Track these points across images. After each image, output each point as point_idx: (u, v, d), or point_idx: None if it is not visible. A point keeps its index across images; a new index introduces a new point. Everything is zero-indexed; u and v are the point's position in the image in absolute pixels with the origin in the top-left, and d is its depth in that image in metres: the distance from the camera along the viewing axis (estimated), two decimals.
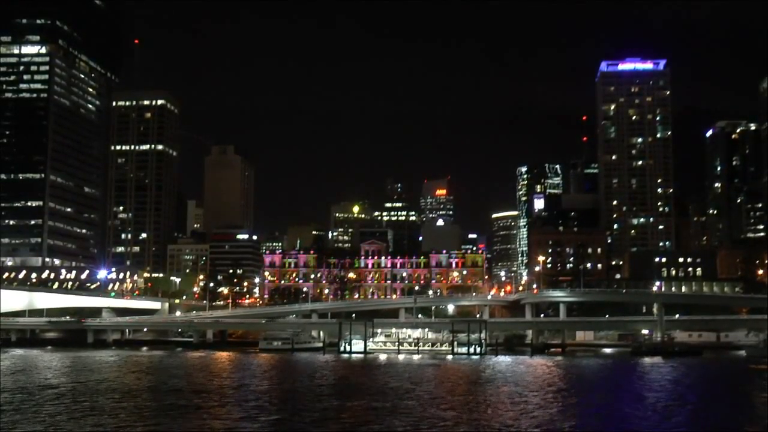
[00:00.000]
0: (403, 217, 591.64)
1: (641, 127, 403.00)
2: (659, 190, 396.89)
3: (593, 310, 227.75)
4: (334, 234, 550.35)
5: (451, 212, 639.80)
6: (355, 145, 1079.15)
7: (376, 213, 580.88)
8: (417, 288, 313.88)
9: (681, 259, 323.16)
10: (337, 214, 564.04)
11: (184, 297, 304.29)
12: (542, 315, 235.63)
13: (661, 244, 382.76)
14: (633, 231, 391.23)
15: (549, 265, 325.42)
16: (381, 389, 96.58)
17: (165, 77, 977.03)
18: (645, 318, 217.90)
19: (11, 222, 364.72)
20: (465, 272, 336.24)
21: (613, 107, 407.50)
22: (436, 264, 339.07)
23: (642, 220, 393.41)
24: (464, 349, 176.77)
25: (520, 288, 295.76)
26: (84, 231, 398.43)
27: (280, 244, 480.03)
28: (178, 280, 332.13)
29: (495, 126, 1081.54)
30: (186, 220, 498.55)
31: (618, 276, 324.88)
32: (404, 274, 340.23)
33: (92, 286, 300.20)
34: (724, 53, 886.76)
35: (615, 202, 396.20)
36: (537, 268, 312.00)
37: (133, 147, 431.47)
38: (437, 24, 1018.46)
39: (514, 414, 74.14)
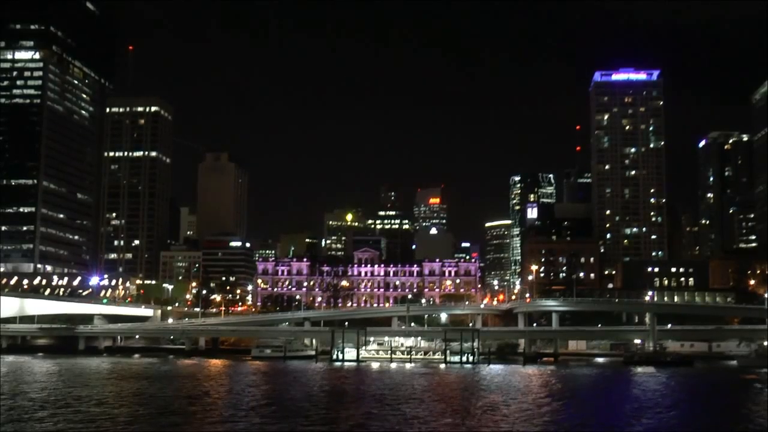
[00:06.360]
0: (397, 226, 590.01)
1: (634, 137, 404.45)
2: (652, 200, 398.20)
3: (586, 320, 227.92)
4: (327, 242, 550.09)
5: (444, 221, 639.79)
6: (349, 153, 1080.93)
7: (370, 221, 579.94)
8: (410, 296, 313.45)
9: (673, 269, 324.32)
10: (330, 222, 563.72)
11: (177, 304, 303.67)
12: (535, 324, 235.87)
13: (653, 253, 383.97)
14: (626, 241, 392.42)
15: (542, 274, 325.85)
16: (366, 396, 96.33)
17: (159, 84, 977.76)
18: (637, 328, 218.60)
19: (3, 228, 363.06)
20: (458, 281, 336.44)
21: (606, 117, 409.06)
22: (429, 272, 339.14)
23: (635, 229, 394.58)
24: (457, 358, 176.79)
25: (513, 297, 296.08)
26: (76, 237, 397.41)
27: (273, 251, 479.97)
28: (170, 287, 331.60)
29: (489, 135, 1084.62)
30: (179, 227, 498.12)
31: (611, 285, 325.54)
32: (397, 283, 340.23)
33: (84, 293, 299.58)
34: (717, 64, 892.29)
35: (608, 212, 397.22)
36: (530, 277, 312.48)
37: (126, 153, 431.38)
38: (432, 32, 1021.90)
39: (483, 422, 74.30)
